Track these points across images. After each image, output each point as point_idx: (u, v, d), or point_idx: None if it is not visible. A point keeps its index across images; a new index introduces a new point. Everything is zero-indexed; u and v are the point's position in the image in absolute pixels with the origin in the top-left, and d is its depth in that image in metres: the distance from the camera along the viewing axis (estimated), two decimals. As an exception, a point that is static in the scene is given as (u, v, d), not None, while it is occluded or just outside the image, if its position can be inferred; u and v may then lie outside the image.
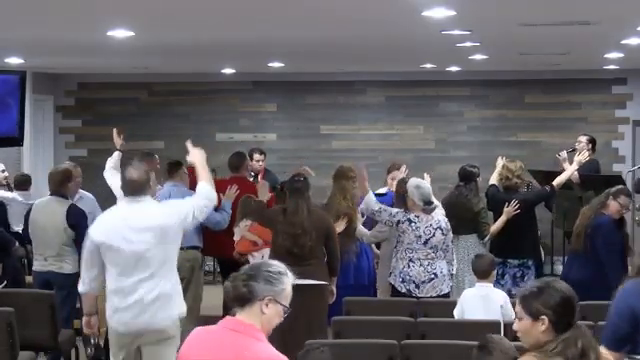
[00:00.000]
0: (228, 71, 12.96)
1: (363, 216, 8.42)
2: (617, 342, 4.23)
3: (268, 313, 3.53)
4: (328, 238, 7.43)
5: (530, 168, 10.68)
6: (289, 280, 3.59)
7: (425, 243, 7.55)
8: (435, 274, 7.57)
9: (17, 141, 10.83)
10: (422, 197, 7.59)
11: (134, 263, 5.59)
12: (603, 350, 4.17)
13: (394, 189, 8.43)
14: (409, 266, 7.57)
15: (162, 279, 5.64)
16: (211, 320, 3.76)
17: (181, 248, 7.88)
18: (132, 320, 5.63)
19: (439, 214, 7.75)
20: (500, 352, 3.91)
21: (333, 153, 13.02)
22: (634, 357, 4.42)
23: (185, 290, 7.80)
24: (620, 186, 8.27)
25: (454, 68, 12.52)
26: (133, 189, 5.67)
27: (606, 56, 10.52)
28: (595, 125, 12.65)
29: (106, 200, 8.09)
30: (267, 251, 7.74)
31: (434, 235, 7.55)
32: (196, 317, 8.05)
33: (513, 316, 3.98)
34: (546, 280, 3.66)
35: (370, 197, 7.75)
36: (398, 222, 7.58)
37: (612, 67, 12.21)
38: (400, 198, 8.01)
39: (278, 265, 3.62)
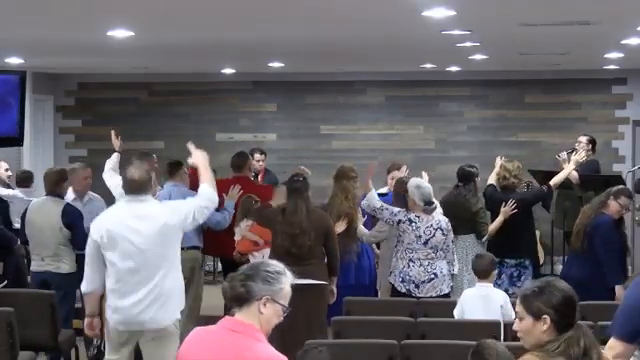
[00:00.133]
0: (228, 71, 12.96)
1: (364, 216, 8.42)
2: (630, 333, 4.19)
3: (266, 313, 3.52)
4: (327, 238, 7.43)
5: (530, 168, 10.68)
6: (287, 280, 3.58)
7: (425, 243, 7.55)
8: (435, 274, 7.57)
9: (17, 141, 10.83)
10: (423, 197, 7.60)
11: (134, 262, 5.60)
12: (612, 342, 4.15)
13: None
14: (409, 266, 7.57)
15: (162, 278, 5.65)
16: (211, 320, 3.76)
17: (181, 248, 7.93)
18: (132, 319, 5.64)
19: (439, 214, 7.76)
20: (496, 356, 3.90)
21: (333, 153, 13.02)
22: None
23: (185, 290, 7.79)
24: (621, 186, 8.28)
25: (454, 68, 12.52)
26: (134, 188, 5.68)
27: (606, 56, 10.51)
28: (595, 125, 12.65)
29: (105, 201, 8.12)
30: (268, 251, 7.74)
31: (434, 235, 7.55)
32: (196, 317, 8.06)
33: (513, 316, 3.98)
34: (547, 279, 3.65)
35: (373, 194, 7.77)
36: (399, 221, 7.59)
37: (612, 67, 12.21)
38: (399, 197, 8.02)
39: (276, 265, 3.62)
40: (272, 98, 13.51)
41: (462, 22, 7.28)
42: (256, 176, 9.89)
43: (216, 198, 5.89)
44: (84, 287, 5.83)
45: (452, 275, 7.79)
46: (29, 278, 8.10)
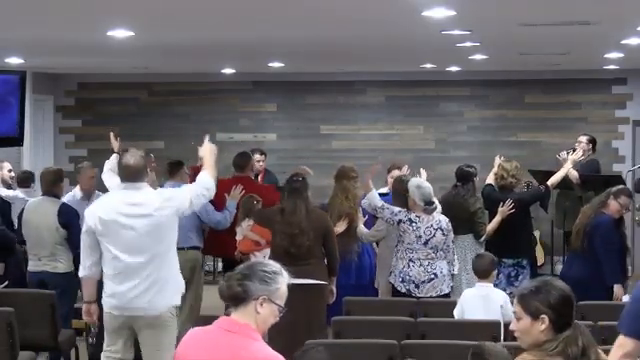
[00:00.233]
0: (228, 71, 12.96)
1: (365, 216, 8.42)
2: None
3: (263, 313, 3.52)
4: (326, 238, 7.43)
5: (530, 168, 10.69)
6: (284, 280, 3.58)
7: (425, 243, 7.55)
8: (435, 274, 7.57)
9: (17, 141, 10.83)
10: (423, 197, 7.60)
11: (129, 248, 5.64)
12: (622, 340, 4.14)
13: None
14: (409, 266, 7.57)
15: (158, 264, 5.68)
16: (211, 320, 3.76)
17: (182, 248, 7.92)
18: (127, 304, 5.68)
19: (440, 214, 7.76)
20: (496, 357, 3.89)
21: (333, 153, 13.03)
22: None
23: (186, 290, 7.82)
24: (621, 186, 8.29)
25: (454, 68, 12.52)
26: (129, 175, 5.70)
27: (606, 56, 10.51)
28: (595, 125, 12.64)
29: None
30: (269, 251, 7.74)
31: (434, 235, 7.55)
32: (196, 317, 8.07)
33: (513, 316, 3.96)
34: (544, 279, 3.65)
35: (373, 194, 7.78)
36: (399, 221, 7.59)
37: (612, 67, 12.21)
38: (398, 196, 8.01)
39: (273, 264, 3.62)
40: (272, 98, 13.51)
41: (462, 22, 7.28)
42: (256, 177, 9.89)
43: (213, 186, 5.90)
44: (81, 272, 5.91)
45: (452, 275, 7.79)
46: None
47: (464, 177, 8.69)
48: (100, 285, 5.97)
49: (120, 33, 7.81)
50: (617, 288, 7.79)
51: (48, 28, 7.79)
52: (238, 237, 8.14)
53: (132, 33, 7.82)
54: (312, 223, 7.33)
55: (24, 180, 9.99)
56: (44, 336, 7.02)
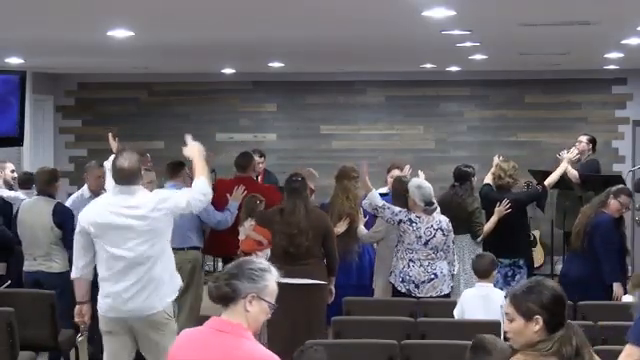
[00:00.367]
0: (228, 71, 12.96)
1: (365, 216, 8.42)
2: None
3: (252, 311, 3.51)
4: (326, 238, 7.43)
5: (530, 168, 10.69)
6: (272, 277, 3.56)
7: (426, 244, 7.55)
8: (435, 274, 7.58)
9: (17, 141, 10.83)
10: (423, 197, 7.60)
11: (123, 250, 5.62)
12: (631, 350, 4.13)
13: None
14: (409, 266, 7.58)
15: (153, 265, 5.66)
16: (211, 320, 3.76)
17: (182, 248, 7.96)
18: (122, 306, 5.66)
19: (440, 215, 7.76)
20: (499, 351, 3.89)
21: (333, 153, 13.03)
22: None
23: (186, 290, 7.84)
24: (621, 185, 8.30)
25: (454, 68, 12.52)
26: (124, 177, 5.69)
27: (606, 56, 10.51)
28: (595, 125, 12.65)
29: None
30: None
31: (435, 236, 7.55)
32: (196, 317, 8.06)
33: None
34: (535, 279, 3.66)
35: (374, 194, 7.78)
36: (400, 221, 7.59)
37: (612, 67, 12.21)
38: (397, 196, 8.01)
39: (260, 262, 3.61)
40: (272, 98, 13.51)
41: (462, 22, 7.27)
42: (256, 178, 9.89)
43: (210, 192, 5.85)
44: (73, 273, 5.89)
45: (452, 275, 7.79)
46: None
47: (462, 177, 8.70)
48: (94, 287, 5.96)
49: (120, 33, 7.80)
50: (617, 286, 7.79)
51: (48, 28, 7.79)
52: (241, 237, 8.14)
53: (132, 33, 7.81)
54: (311, 223, 7.33)
55: (25, 181, 9.97)
56: (44, 336, 7.02)
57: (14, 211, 8.94)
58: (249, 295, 3.49)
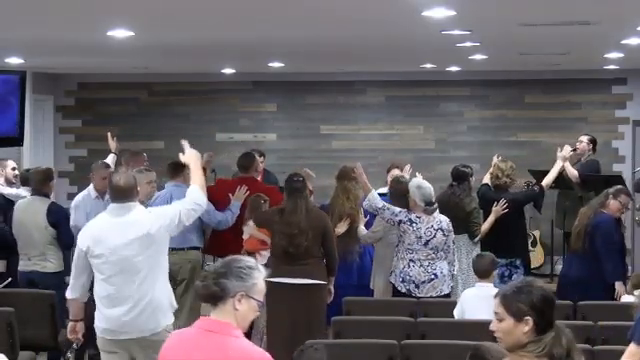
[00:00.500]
0: (228, 71, 12.96)
1: (366, 216, 8.42)
2: None
3: (241, 309, 3.49)
4: (325, 238, 7.43)
5: (530, 168, 10.69)
6: (261, 275, 3.55)
7: (426, 244, 7.55)
8: (435, 274, 7.58)
9: (17, 141, 10.83)
10: (423, 198, 7.60)
11: (120, 270, 5.56)
12: (634, 349, 4.12)
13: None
14: (409, 266, 7.58)
15: (150, 287, 5.59)
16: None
17: (182, 249, 7.96)
18: (121, 328, 5.59)
19: (440, 215, 7.75)
20: (496, 358, 3.89)
21: (333, 153, 13.03)
22: None
23: (186, 290, 7.83)
24: (619, 186, 8.31)
25: (454, 68, 12.52)
26: (120, 194, 5.64)
27: (606, 56, 10.51)
28: (595, 125, 12.65)
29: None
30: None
31: (435, 236, 7.55)
32: (196, 317, 8.00)
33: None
34: (525, 279, 3.66)
35: (373, 195, 7.78)
36: (400, 222, 7.59)
37: (612, 67, 12.21)
38: (396, 196, 8.01)
39: (248, 260, 3.61)
40: (272, 98, 13.51)
41: (462, 22, 7.27)
42: (256, 177, 9.88)
43: (204, 200, 5.77)
44: (68, 293, 5.82)
45: (452, 275, 7.79)
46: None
47: (460, 177, 8.70)
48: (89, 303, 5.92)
49: (120, 33, 7.81)
50: (619, 285, 7.80)
51: (48, 28, 7.79)
52: (245, 236, 8.13)
53: (132, 33, 7.82)
54: (311, 223, 7.34)
55: (27, 179, 9.98)
56: (44, 336, 7.02)
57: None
58: (238, 294, 3.48)
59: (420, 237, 7.55)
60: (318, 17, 7.09)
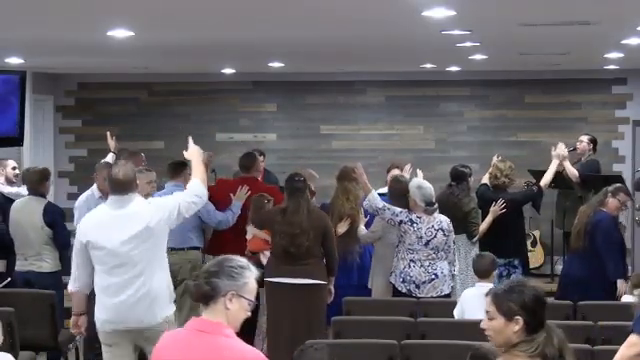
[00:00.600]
0: (228, 71, 12.96)
1: (366, 216, 8.42)
2: None
3: (232, 308, 3.49)
4: (325, 238, 7.44)
5: (530, 168, 10.69)
6: (252, 274, 3.55)
7: (426, 244, 7.55)
8: (436, 274, 7.57)
9: (17, 141, 10.83)
10: (424, 198, 7.60)
11: (120, 262, 5.61)
12: (635, 339, 4.11)
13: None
14: (410, 266, 7.58)
15: (149, 277, 5.64)
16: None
17: (182, 248, 7.97)
18: (119, 318, 5.64)
19: (441, 215, 7.75)
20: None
21: (333, 153, 13.03)
22: None
23: (186, 290, 7.82)
24: (618, 184, 8.32)
25: (454, 68, 12.52)
26: (119, 187, 5.67)
27: (606, 56, 10.51)
28: (595, 125, 12.64)
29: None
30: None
31: (435, 236, 7.55)
32: (196, 317, 8.04)
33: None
34: (517, 278, 3.68)
35: (373, 195, 7.78)
36: (400, 222, 7.59)
37: (612, 67, 12.21)
38: (394, 196, 8.01)
39: (240, 260, 3.60)
40: (272, 98, 13.51)
41: (462, 22, 7.27)
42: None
43: (205, 193, 5.85)
44: (70, 286, 5.86)
45: (452, 275, 7.79)
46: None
47: (458, 177, 8.71)
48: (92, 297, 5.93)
49: (120, 33, 7.80)
50: (620, 283, 7.80)
51: (48, 28, 7.79)
52: (248, 236, 8.13)
53: (132, 33, 7.81)
54: (313, 223, 7.35)
55: None
56: (44, 336, 7.02)
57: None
58: (229, 293, 3.48)
59: (421, 237, 7.54)
60: (318, 17, 7.09)
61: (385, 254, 7.99)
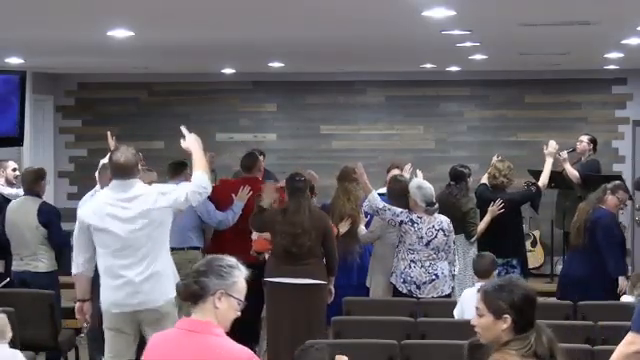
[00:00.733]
0: (228, 71, 12.96)
1: (366, 216, 8.42)
2: None
3: (221, 307, 3.49)
4: (326, 238, 7.44)
5: (530, 168, 10.69)
6: (241, 273, 3.56)
7: (427, 244, 7.54)
8: (436, 275, 7.57)
9: (17, 141, 10.83)
10: (424, 198, 7.60)
11: (124, 244, 5.64)
12: (633, 338, 4.11)
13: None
14: (410, 267, 7.57)
15: (153, 260, 5.68)
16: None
17: (182, 248, 7.97)
18: (124, 300, 5.67)
19: (441, 215, 7.74)
20: None
21: (333, 153, 13.03)
22: None
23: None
24: (617, 182, 8.32)
25: (454, 68, 12.52)
26: (120, 171, 5.70)
27: (606, 56, 10.51)
28: (595, 125, 12.65)
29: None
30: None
31: (436, 236, 7.55)
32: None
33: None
34: (509, 277, 3.68)
35: (374, 195, 7.77)
36: (401, 222, 7.58)
37: (612, 67, 12.21)
38: (393, 196, 8.00)
39: (229, 259, 3.60)
40: (272, 98, 13.51)
41: (462, 22, 7.27)
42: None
43: (209, 185, 5.87)
44: (74, 269, 5.88)
45: (453, 275, 7.78)
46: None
47: (457, 177, 8.71)
48: (95, 285, 5.95)
49: (120, 33, 7.81)
50: (622, 280, 7.80)
51: (48, 28, 7.79)
52: (254, 236, 8.12)
53: (132, 33, 7.82)
54: (314, 223, 7.35)
55: None
56: (44, 336, 7.03)
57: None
58: (218, 292, 3.48)
59: (421, 237, 7.54)
60: (318, 17, 7.09)
61: (384, 254, 7.98)
